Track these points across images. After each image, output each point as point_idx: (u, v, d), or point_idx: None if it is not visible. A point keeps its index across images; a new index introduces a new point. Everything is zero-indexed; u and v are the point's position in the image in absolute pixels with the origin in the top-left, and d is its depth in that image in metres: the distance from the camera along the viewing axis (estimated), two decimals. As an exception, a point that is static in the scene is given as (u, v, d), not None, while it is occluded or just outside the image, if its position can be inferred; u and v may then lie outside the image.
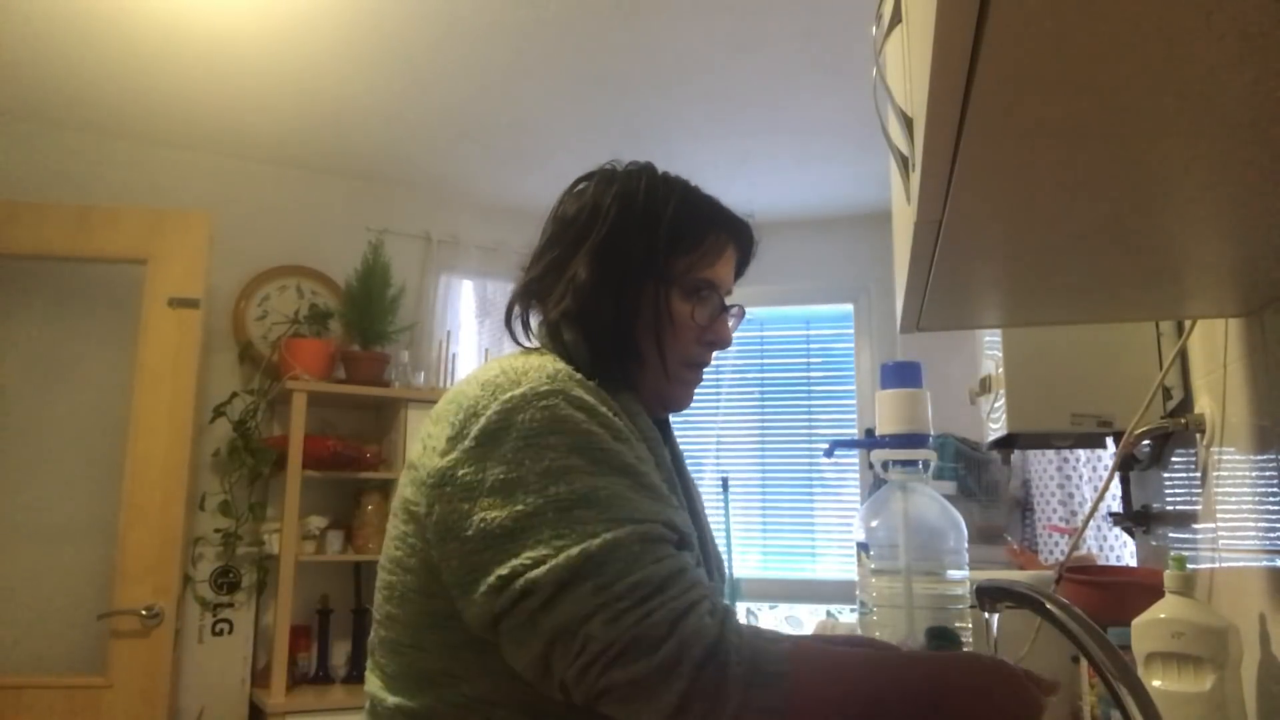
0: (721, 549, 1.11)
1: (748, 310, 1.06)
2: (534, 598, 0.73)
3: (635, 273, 0.95)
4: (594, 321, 0.94)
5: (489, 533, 0.77)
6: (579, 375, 0.88)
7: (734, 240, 1.02)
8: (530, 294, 1.00)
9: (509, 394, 0.82)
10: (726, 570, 1.14)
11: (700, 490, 1.15)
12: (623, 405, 0.91)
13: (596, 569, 0.73)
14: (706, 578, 0.81)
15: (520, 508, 0.76)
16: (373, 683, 0.89)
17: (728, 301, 1.02)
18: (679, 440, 1.11)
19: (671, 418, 1.07)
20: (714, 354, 1.02)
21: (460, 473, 0.80)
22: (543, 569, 0.73)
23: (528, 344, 0.99)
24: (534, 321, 1.01)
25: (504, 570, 0.75)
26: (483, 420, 0.81)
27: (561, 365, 0.88)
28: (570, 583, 0.72)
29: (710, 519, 1.12)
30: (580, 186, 1.02)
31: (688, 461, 1.15)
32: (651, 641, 0.70)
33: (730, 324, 1.03)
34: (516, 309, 1.01)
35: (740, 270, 1.06)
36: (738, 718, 0.70)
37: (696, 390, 1.02)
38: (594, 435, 0.80)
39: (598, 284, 0.94)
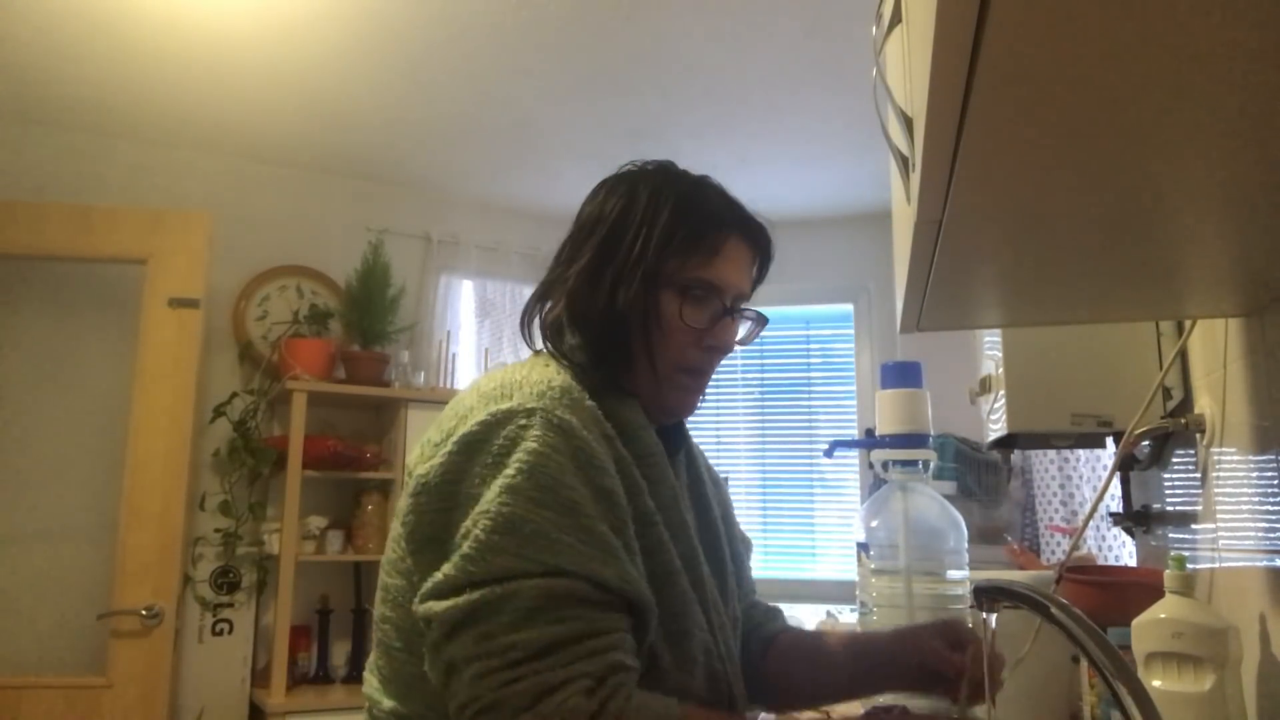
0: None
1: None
2: (434, 630, 0.75)
3: (627, 271, 0.90)
4: (584, 321, 0.92)
5: (441, 540, 0.79)
6: (575, 392, 0.85)
7: (745, 241, 0.96)
8: (542, 295, 0.98)
9: (496, 407, 0.82)
10: (746, 583, 1.10)
11: (727, 498, 1.11)
12: (624, 419, 0.88)
13: (488, 615, 0.73)
14: (624, 644, 0.76)
15: (467, 523, 0.77)
16: (370, 683, 0.89)
17: (746, 306, 0.97)
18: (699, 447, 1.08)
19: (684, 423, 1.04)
20: (718, 360, 0.96)
21: (434, 481, 0.81)
22: (443, 605, 0.74)
23: (537, 347, 0.97)
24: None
25: (427, 584, 0.77)
26: (465, 430, 0.81)
27: (559, 380, 0.86)
28: (462, 624, 0.73)
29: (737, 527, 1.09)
30: (599, 187, 0.99)
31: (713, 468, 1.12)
32: (511, 709, 0.70)
33: (741, 329, 0.98)
34: (535, 310, 0.98)
35: (760, 275, 1.01)
36: None
37: (700, 397, 0.98)
38: (552, 462, 0.77)
39: (589, 283, 0.92)
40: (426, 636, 0.77)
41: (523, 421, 0.80)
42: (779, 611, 1.13)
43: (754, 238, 0.98)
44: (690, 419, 1.09)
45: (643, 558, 0.83)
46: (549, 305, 0.96)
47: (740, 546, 1.09)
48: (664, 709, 0.74)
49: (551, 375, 0.87)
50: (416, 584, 0.80)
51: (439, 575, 0.76)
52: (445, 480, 0.80)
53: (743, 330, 0.99)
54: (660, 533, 0.85)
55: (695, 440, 1.10)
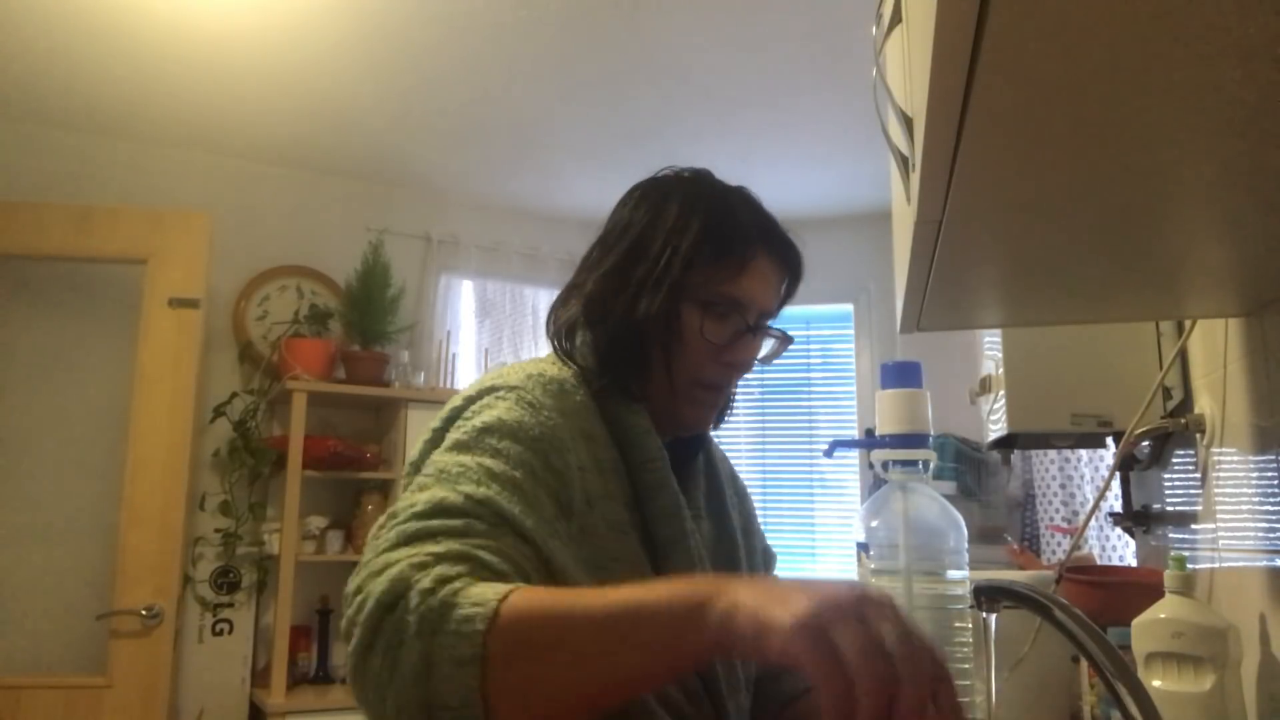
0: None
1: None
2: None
3: (651, 281, 0.89)
4: (600, 326, 0.91)
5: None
6: (567, 386, 0.86)
7: (773, 258, 0.95)
8: (564, 298, 0.98)
9: (481, 386, 0.85)
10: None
11: (750, 510, 1.09)
12: (626, 423, 0.88)
13: (391, 517, 0.74)
14: (496, 549, 0.68)
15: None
16: None
17: (773, 325, 0.96)
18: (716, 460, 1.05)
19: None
20: (737, 377, 0.95)
21: (418, 457, 0.83)
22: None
23: (560, 345, 0.96)
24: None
25: None
26: (450, 406, 0.85)
27: (553, 372, 0.87)
28: (373, 536, 0.75)
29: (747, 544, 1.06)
30: (631, 193, 0.98)
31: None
32: (357, 591, 0.70)
33: (764, 347, 0.96)
34: (557, 312, 0.98)
35: (788, 294, 1.00)
36: (427, 663, 0.61)
37: (715, 412, 0.96)
38: (508, 425, 0.78)
39: (609, 289, 0.91)
40: None
41: (499, 395, 0.83)
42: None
43: (783, 255, 0.97)
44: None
45: (607, 566, 0.80)
46: (568, 306, 0.96)
47: (760, 560, 1.07)
48: (502, 587, 0.64)
49: (546, 368, 0.89)
50: None
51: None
52: (423, 453, 0.83)
53: (766, 348, 0.98)
54: (629, 543, 0.84)
55: (720, 449, 1.08)
